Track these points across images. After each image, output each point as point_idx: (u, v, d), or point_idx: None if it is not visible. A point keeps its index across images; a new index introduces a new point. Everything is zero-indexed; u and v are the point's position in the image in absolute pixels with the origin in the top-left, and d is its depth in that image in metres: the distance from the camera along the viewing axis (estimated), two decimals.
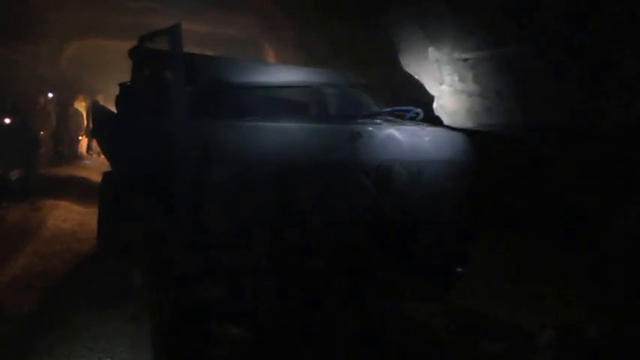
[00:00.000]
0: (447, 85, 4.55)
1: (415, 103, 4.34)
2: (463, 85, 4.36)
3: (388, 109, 4.24)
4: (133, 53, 4.25)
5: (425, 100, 4.79)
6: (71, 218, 6.55)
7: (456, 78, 4.41)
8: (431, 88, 4.73)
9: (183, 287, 3.04)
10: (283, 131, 3.27)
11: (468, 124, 4.49)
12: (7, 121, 7.40)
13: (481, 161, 3.73)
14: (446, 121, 4.73)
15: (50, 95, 11.71)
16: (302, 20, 5.96)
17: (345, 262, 3.42)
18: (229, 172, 2.95)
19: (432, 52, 4.50)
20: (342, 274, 3.45)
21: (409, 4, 4.39)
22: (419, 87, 4.80)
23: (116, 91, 4.83)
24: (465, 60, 4.18)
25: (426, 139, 3.68)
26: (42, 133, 10.48)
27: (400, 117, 4.19)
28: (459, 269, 3.83)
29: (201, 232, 2.97)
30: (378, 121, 3.87)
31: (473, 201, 3.74)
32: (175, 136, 2.93)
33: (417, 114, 4.18)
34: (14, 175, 7.34)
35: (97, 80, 14.92)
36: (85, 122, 14.02)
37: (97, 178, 6.64)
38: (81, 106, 14.86)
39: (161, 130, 3.32)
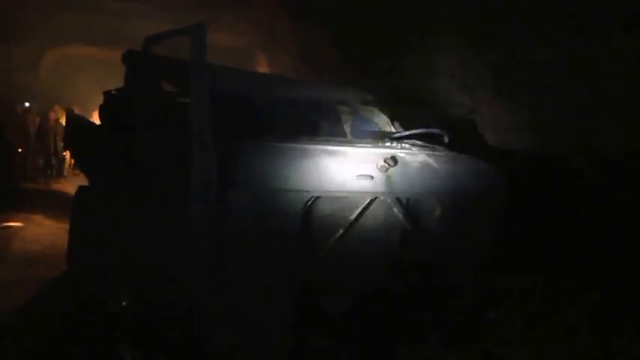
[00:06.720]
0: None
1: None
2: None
3: (413, 132, 3.77)
4: (127, 58, 3.83)
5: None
6: (42, 238, 5.85)
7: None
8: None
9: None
10: (311, 153, 2.87)
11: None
12: None
13: (518, 191, 3.34)
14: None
15: (27, 104, 10.97)
16: (309, 25, 5.42)
17: (369, 304, 3.04)
18: (252, 199, 2.54)
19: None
20: (365, 317, 3.05)
21: None
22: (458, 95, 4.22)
23: (99, 100, 4.39)
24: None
25: (462, 167, 3.28)
26: (20, 150, 9.86)
27: (423, 140, 3.75)
28: (490, 314, 3.51)
29: (222, 270, 2.59)
30: (406, 145, 3.48)
31: (505, 237, 3.35)
32: (193, 156, 2.55)
33: (442, 136, 3.76)
34: None
35: (78, 90, 14.26)
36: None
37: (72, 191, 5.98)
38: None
39: (171, 148, 2.97)
